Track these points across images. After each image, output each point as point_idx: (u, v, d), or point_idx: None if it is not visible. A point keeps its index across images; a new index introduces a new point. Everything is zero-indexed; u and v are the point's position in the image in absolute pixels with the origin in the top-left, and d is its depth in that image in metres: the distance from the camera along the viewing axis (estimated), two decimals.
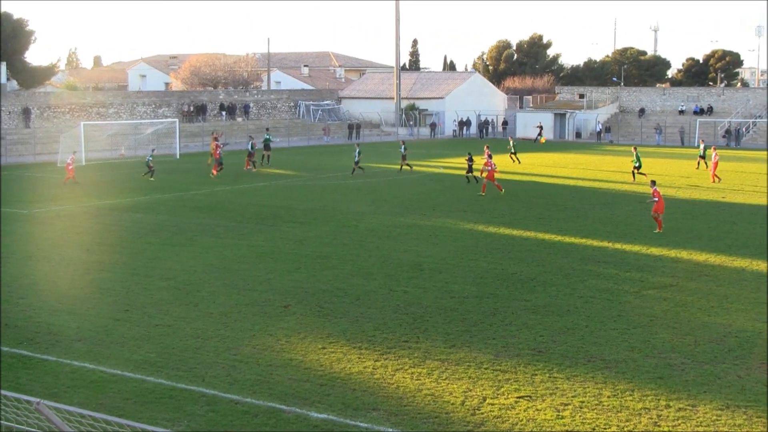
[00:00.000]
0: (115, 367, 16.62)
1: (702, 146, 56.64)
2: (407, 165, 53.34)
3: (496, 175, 42.70)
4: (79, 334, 18.86)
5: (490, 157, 42.61)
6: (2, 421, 11.81)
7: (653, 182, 33.18)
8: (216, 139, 53.84)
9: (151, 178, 48.68)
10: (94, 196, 42.55)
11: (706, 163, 53.81)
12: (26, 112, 74.17)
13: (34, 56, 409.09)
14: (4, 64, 77.25)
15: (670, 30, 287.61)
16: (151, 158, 49.73)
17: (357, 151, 51.23)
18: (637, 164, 49.04)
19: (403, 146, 54.40)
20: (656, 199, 31.94)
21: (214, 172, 50.19)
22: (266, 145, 58.29)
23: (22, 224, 33.94)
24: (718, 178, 48.52)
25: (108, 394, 15.23)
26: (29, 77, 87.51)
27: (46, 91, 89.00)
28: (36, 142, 68.45)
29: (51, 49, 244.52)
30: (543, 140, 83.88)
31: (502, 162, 59.25)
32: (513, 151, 61.14)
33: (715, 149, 51.96)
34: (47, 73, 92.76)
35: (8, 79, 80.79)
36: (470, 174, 45.75)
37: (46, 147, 67.22)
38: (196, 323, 19.71)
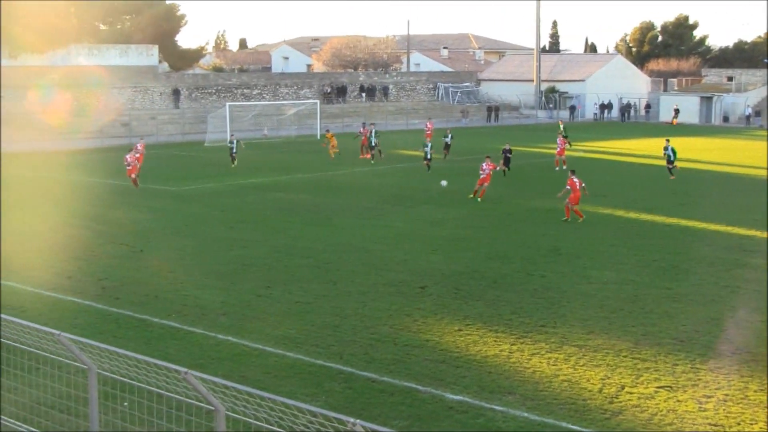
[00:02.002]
0: (257, 341, 17.07)
1: None
2: (379, 152, 50.67)
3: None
4: (224, 308, 19.47)
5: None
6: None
7: (572, 171, 31.77)
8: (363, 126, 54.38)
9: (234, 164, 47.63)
10: (237, 174, 43.69)
11: None
12: (176, 93, 76.90)
13: (184, 39, 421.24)
14: (156, 48, 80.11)
15: None
16: (234, 146, 47.96)
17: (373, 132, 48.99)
18: (566, 135, 47.88)
19: (373, 132, 51.18)
20: (569, 188, 30.67)
21: (368, 156, 50.42)
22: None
23: (170, 201, 35.24)
24: None
25: (250, 368, 15.69)
26: (179, 59, 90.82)
27: (194, 73, 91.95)
28: (185, 121, 71.01)
29: (199, 32, 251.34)
30: (675, 122, 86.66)
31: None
32: (564, 135, 52.10)
33: None
34: (196, 55, 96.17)
35: (160, 62, 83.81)
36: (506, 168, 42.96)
37: (194, 127, 69.78)
38: (335, 301, 20.04)
